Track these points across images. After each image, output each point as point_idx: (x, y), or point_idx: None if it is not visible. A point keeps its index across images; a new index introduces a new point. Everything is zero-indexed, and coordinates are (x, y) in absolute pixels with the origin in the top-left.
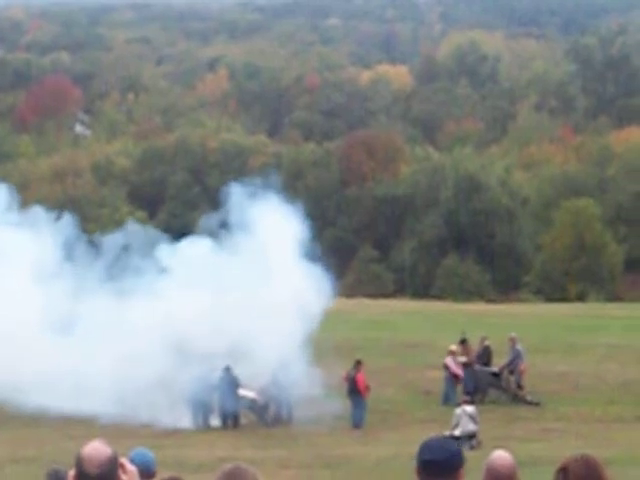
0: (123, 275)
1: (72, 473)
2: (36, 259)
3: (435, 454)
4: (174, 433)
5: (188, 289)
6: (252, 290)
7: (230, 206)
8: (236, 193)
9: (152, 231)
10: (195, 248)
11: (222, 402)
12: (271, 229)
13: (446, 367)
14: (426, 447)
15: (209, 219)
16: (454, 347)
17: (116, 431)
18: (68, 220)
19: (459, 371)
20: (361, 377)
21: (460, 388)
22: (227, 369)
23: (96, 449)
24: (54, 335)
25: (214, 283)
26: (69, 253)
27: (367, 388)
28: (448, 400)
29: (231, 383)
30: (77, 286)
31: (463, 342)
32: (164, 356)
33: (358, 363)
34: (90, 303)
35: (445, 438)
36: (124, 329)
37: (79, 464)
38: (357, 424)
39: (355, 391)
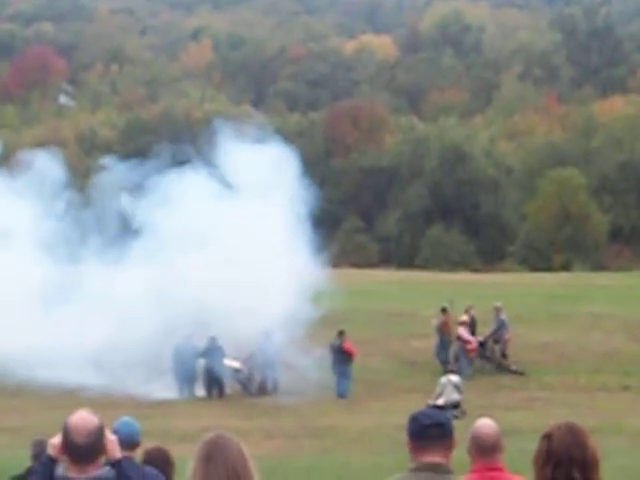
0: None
1: (55, 441)
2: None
3: (434, 418)
4: (159, 403)
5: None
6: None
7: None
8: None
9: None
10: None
11: (207, 372)
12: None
13: (459, 338)
14: (421, 414)
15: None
16: (465, 317)
17: (101, 401)
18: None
19: (472, 340)
20: (348, 344)
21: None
22: (213, 339)
23: (83, 418)
24: (41, 306)
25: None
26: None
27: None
28: (461, 372)
29: (216, 353)
30: (70, 255)
31: (444, 310)
32: (152, 325)
33: (341, 333)
34: (81, 272)
35: (433, 408)
36: (115, 298)
37: (66, 434)
38: (341, 394)
39: (340, 361)
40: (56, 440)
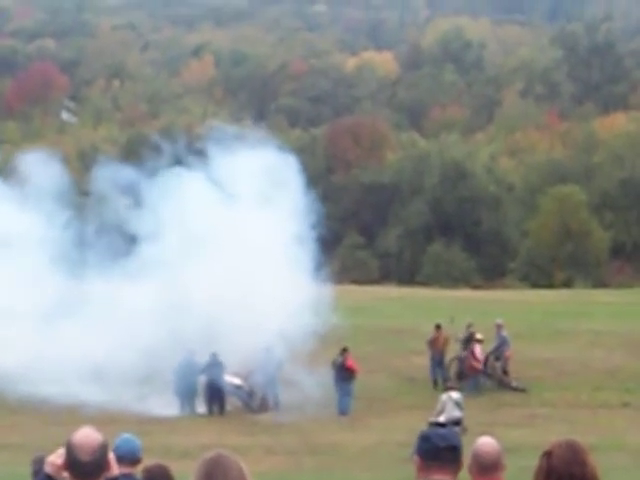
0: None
1: (53, 459)
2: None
3: (448, 441)
4: (160, 420)
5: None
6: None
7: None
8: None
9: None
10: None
11: (209, 387)
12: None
13: (472, 355)
14: (435, 435)
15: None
16: (479, 335)
17: (101, 417)
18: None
19: (480, 361)
20: (350, 362)
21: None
22: (214, 355)
23: (88, 436)
24: (42, 320)
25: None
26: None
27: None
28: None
29: (217, 368)
30: (71, 268)
31: (437, 327)
32: (152, 340)
33: (344, 350)
34: (83, 286)
35: (443, 428)
36: (116, 312)
37: (71, 451)
38: (343, 411)
39: (342, 378)
40: (53, 458)
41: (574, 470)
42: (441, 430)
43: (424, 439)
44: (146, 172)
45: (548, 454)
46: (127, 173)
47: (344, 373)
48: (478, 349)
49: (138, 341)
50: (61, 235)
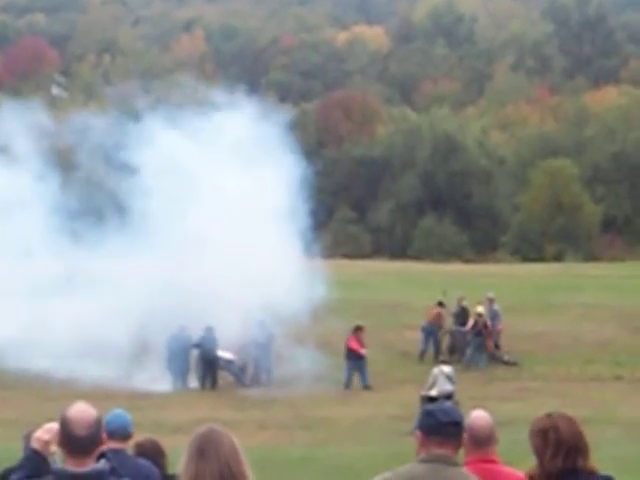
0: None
1: (39, 435)
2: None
3: (451, 416)
4: (152, 395)
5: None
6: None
7: None
8: None
9: None
10: None
11: (202, 360)
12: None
13: (485, 327)
14: (438, 411)
15: None
16: (480, 308)
17: (94, 393)
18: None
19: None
20: (352, 341)
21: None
22: (209, 329)
23: (83, 411)
24: (33, 295)
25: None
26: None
27: (356, 350)
28: (478, 364)
29: (212, 343)
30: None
31: (440, 304)
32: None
33: (356, 329)
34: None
35: (446, 404)
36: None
37: (66, 426)
38: (346, 385)
39: (346, 356)
40: (40, 433)
41: (579, 442)
42: (444, 405)
43: (427, 414)
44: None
45: (554, 428)
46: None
47: (347, 351)
48: (471, 322)
49: (129, 316)
50: (52, 208)
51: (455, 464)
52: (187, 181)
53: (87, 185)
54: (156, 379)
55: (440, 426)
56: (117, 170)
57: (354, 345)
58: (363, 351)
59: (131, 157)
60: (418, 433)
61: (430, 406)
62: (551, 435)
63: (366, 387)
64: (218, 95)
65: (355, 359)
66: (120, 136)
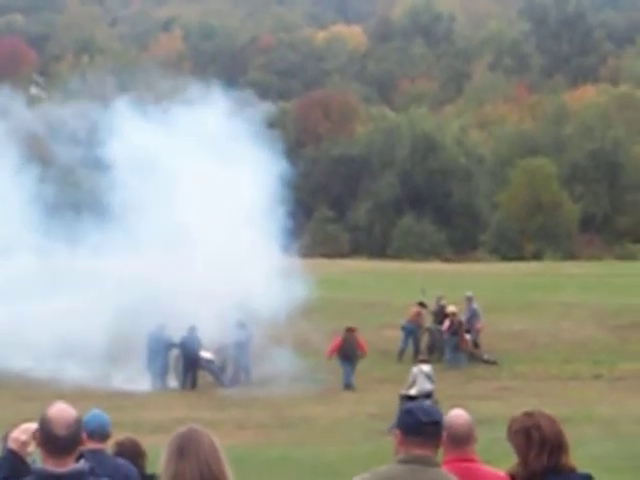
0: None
1: (19, 436)
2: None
3: (431, 416)
4: (131, 394)
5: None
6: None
7: None
8: None
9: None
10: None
11: (183, 362)
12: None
13: (460, 326)
14: (418, 410)
15: None
16: (453, 308)
17: (73, 393)
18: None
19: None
20: (334, 341)
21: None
22: (192, 329)
23: (63, 410)
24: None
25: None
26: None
27: (333, 352)
28: (459, 364)
29: (194, 343)
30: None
31: (421, 304)
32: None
33: (346, 330)
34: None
35: (425, 403)
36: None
37: (46, 426)
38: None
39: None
40: (17, 433)
41: (561, 440)
42: (423, 405)
43: (407, 413)
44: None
45: (537, 427)
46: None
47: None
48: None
49: (106, 315)
50: (30, 207)
51: (435, 464)
52: (163, 178)
53: (63, 181)
54: (135, 379)
55: (420, 426)
56: (92, 166)
57: (331, 346)
58: (327, 354)
59: (106, 153)
60: (397, 432)
61: (410, 405)
62: (534, 434)
63: (348, 386)
64: (194, 91)
65: (344, 359)
66: (94, 131)
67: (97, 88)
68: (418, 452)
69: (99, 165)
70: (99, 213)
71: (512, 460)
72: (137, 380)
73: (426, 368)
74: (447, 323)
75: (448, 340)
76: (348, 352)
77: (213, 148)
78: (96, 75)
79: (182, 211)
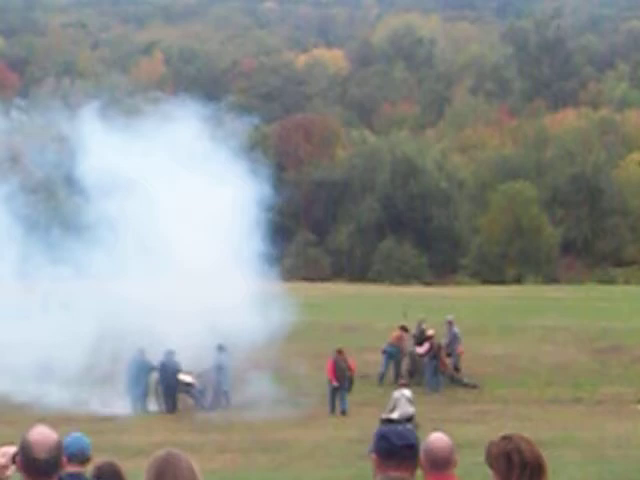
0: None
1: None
2: None
3: (406, 440)
4: (111, 418)
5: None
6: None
7: None
8: None
9: None
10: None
11: (163, 386)
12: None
13: (439, 351)
14: (393, 434)
15: None
16: (432, 331)
17: (53, 416)
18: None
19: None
20: (328, 365)
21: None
22: (170, 352)
23: (43, 434)
24: None
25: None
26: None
27: (333, 376)
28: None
29: (173, 367)
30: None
31: (403, 328)
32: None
33: (337, 352)
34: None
35: (400, 426)
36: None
37: (27, 449)
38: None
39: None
40: None
41: (540, 462)
42: (398, 428)
43: (382, 437)
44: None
45: (518, 450)
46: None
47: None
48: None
49: (84, 339)
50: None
51: None
52: (141, 199)
53: (40, 201)
54: (115, 402)
55: (395, 449)
56: (68, 186)
57: (328, 372)
58: (334, 382)
59: (82, 173)
60: (374, 456)
61: (384, 429)
62: (515, 457)
63: (343, 412)
64: (174, 109)
65: (336, 382)
66: (69, 150)
67: (78, 110)
68: (395, 475)
69: (75, 185)
70: (77, 234)
71: None
72: (117, 404)
73: (407, 392)
74: (426, 346)
75: (427, 363)
76: (340, 374)
77: (193, 170)
78: (77, 98)
79: (160, 233)
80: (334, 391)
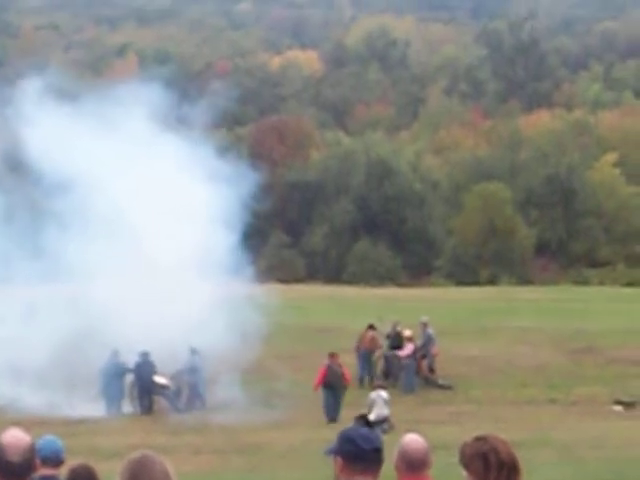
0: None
1: None
2: None
3: (372, 443)
4: (86, 420)
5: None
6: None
7: None
8: None
9: None
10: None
11: (138, 388)
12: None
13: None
14: (359, 437)
15: None
16: (409, 332)
17: (27, 419)
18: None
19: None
20: (319, 372)
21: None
22: (145, 354)
23: (16, 437)
24: None
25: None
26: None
27: (320, 383)
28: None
29: (148, 369)
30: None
31: (371, 327)
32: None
33: (330, 356)
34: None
35: (365, 428)
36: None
37: (0, 452)
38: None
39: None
40: None
41: (516, 462)
42: (363, 431)
43: (347, 440)
44: None
45: (495, 451)
46: None
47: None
48: (409, 347)
49: (54, 341)
50: None
51: None
52: (109, 200)
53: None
54: (89, 404)
55: (362, 453)
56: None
57: (317, 378)
58: (317, 388)
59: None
60: (339, 459)
61: (350, 432)
62: (492, 458)
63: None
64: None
65: (328, 388)
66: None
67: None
68: (361, 478)
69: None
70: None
71: None
72: (91, 406)
73: (384, 394)
74: (410, 347)
75: (408, 365)
76: (332, 380)
77: (167, 173)
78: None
79: (131, 234)
80: (328, 397)
